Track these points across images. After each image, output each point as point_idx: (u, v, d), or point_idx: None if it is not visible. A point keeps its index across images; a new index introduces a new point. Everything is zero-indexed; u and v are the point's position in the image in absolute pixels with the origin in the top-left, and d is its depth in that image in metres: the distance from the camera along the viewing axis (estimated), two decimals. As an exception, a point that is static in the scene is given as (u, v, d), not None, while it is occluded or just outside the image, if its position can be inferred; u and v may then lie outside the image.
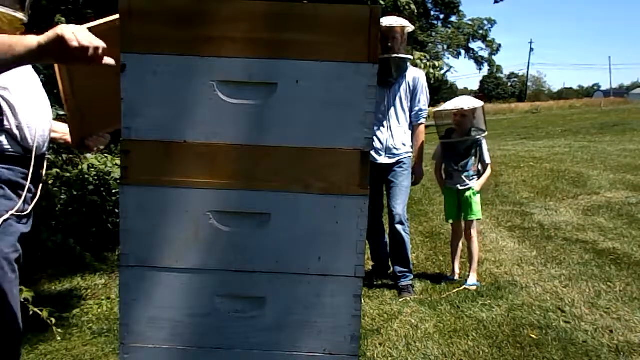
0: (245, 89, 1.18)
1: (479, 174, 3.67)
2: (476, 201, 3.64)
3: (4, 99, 1.43)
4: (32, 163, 1.51)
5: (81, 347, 2.66)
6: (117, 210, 4.03)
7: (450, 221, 3.78)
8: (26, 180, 1.50)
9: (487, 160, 3.67)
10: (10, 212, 1.45)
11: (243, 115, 1.19)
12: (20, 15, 1.47)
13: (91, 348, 2.66)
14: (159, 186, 1.20)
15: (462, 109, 3.57)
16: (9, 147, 1.46)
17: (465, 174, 3.61)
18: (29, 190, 1.54)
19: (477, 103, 3.65)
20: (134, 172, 1.20)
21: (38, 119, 1.53)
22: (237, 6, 1.17)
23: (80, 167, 4.03)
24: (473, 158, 3.63)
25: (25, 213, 1.53)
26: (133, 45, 1.16)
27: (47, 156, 1.67)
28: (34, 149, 1.51)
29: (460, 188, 3.64)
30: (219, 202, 1.21)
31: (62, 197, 3.86)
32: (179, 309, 1.23)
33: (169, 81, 1.18)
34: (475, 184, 3.63)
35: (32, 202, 1.56)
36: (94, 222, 4.04)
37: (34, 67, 1.62)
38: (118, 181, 3.88)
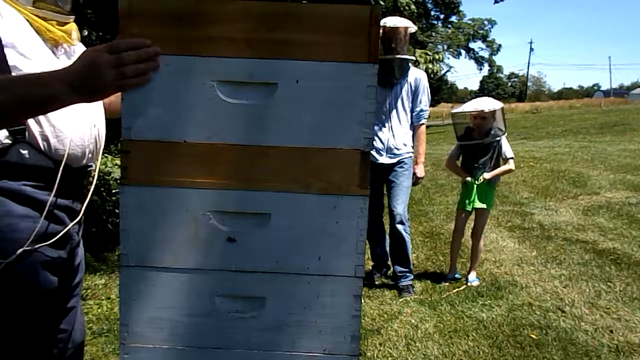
0: (245, 89, 1.18)
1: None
2: (490, 190, 3.63)
3: None
4: (59, 177, 1.30)
5: (81, 347, 2.66)
6: (117, 210, 4.02)
7: (466, 208, 3.67)
8: (53, 196, 1.31)
9: (509, 154, 3.66)
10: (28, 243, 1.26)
11: (243, 115, 1.19)
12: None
13: (91, 348, 2.66)
14: (159, 186, 1.20)
15: (482, 111, 3.55)
16: (34, 160, 1.27)
17: (486, 170, 3.61)
18: (67, 209, 1.37)
19: (497, 105, 3.64)
20: (133, 172, 1.20)
21: (76, 126, 1.34)
22: (237, 6, 1.17)
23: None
24: (492, 155, 3.63)
25: (56, 236, 1.32)
26: (133, 45, 1.16)
27: (93, 167, 1.47)
28: (64, 161, 1.31)
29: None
30: (219, 202, 1.21)
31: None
32: (179, 309, 1.23)
33: (169, 81, 1.17)
34: (487, 175, 3.61)
35: (71, 221, 1.38)
36: (94, 222, 4.04)
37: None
38: (118, 181, 3.88)
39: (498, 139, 3.60)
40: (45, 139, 1.29)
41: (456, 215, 3.82)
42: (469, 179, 3.63)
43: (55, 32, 1.33)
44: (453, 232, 3.85)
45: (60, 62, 1.35)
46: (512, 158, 3.68)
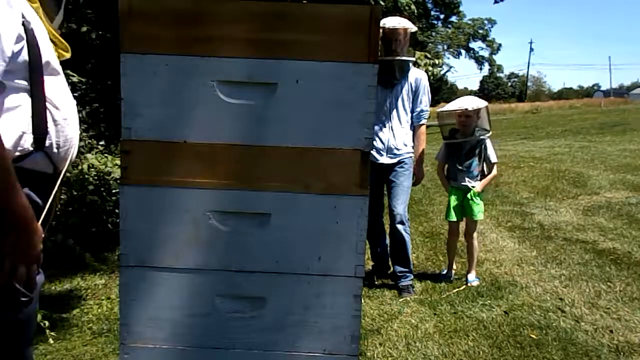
0: (245, 89, 1.18)
1: (484, 175, 3.65)
2: (477, 202, 3.62)
3: (52, 118, 1.29)
4: (58, 183, 1.35)
5: (81, 347, 2.66)
6: (117, 210, 4.02)
7: (452, 219, 3.70)
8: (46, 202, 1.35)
9: (493, 159, 3.64)
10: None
11: (243, 115, 1.19)
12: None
13: (91, 348, 2.66)
14: (159, 186, 1.20)
15: (465, 109, 3.55)
16: (42, 166, 1.32)
17: (469, 174, 3.59)
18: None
19: (481, 103, 3.63)
20: (134, 172, 1.20)
21: (75, 134, 1.40)
22: (237, 6, 1.17)
23: (80, 167, 4.03)
24: (477, 158, 3.60)
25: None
26: (133, 45, 1.16)
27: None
28: (64, 168, 1.36)
29: (463, 186, 3.61)
30: (219, 202, 1.21)
31: (62, 197, 3.86)
32: (179, 309, 1.23)
33: (169, 81, 1.18)
34: (477, 185, 3.61)
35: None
36: (94, 222, 4.05)
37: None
38: (118, 181, 3.88)
39: (483, 138, 3.59)
40: (58, 147, 1.33)
41: (450, 225, 3.79)
42: (459, 186, 3.62)
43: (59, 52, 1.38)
44: (448, 235, 3.84)
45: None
46: (496, 163, 3.66)
